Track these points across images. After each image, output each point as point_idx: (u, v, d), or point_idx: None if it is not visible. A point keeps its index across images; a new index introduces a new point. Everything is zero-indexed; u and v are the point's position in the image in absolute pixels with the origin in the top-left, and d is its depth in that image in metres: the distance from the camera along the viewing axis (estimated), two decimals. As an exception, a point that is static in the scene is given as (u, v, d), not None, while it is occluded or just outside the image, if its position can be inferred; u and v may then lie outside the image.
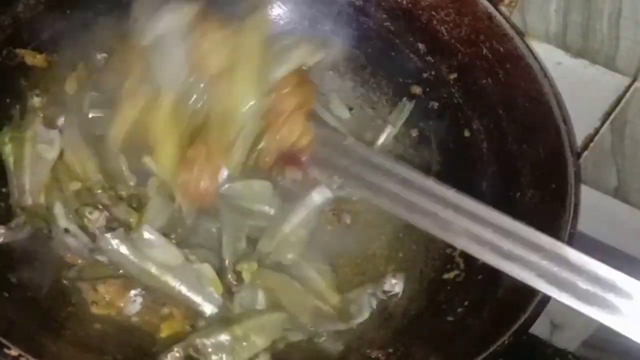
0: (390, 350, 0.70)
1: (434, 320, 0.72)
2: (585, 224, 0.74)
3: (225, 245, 0.74)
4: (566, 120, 0.74)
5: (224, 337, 0.67)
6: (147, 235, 0.69)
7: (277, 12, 0.90)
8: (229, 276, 0.73)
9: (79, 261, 0.73)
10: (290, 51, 0.73)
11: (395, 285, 0.78)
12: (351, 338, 0.73)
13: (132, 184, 0.76)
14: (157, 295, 0.72)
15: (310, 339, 0.72)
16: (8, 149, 0.74)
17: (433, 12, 0.82)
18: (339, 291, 0.76)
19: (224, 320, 0.69)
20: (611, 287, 0.57)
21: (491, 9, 0.78)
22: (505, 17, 0.79)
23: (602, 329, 1.02)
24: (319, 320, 0.72)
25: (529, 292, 0.63)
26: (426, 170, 0.85)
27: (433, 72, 0.85)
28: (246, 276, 0.73)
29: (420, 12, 0.83)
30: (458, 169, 0.82)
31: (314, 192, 0.76)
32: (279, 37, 0.74)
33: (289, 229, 0.76)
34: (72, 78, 0.82)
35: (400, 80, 0.88)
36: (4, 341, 0.53)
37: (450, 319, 0.70)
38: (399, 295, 0.78)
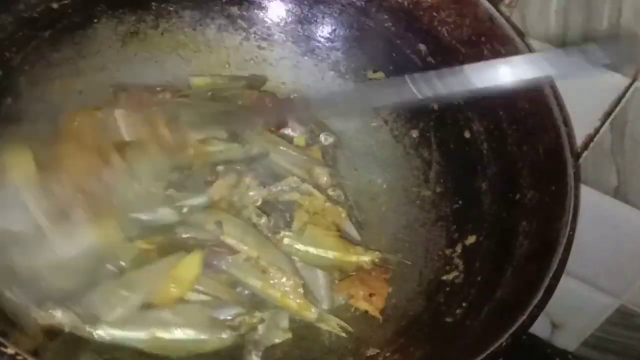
0: (389, 351, 0.71)
1: (433, 321, 0.72)
2: (585, 224, 0.74)
3: None
4: (566, 122, 0.74)
5: None
6: None
7: (278, 12, 0.91)
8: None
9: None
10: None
11: None
12: (350, 338, 0.74)
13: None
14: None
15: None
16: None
17: (434, 13, 0.82)
18: None
19: None
20: None
21: (492, 10, 0.78)
22: (505, 18, 0.79)
23: (602, 328, 1.03)
24: None
25: (528, 293, 0.63)
26: (426, 170, 0.85)
27: (434, 73, 0.85)
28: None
29: (421, 13, 0.83)
30: (458, 170, 0.82)
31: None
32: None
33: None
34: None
35: (401, 81, 0.88)
36: (1, 340, 0.53)
37: (449, 320, 0.70)
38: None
